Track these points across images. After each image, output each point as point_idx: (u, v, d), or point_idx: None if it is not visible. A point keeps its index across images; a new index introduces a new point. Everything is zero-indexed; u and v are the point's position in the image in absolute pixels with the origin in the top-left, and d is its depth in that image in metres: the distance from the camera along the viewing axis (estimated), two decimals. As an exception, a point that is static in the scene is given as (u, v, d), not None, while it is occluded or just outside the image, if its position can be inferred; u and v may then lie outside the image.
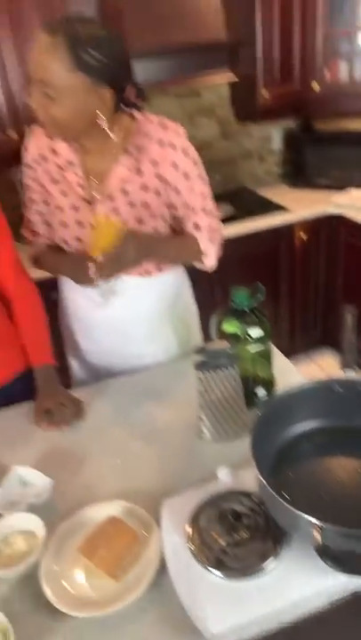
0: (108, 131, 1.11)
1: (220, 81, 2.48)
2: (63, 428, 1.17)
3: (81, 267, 1.13)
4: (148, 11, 2.03)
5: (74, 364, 1.50)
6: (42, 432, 1.18)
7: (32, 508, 0.93)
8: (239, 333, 1.09)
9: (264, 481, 0.74)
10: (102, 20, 2.19)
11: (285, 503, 0.70)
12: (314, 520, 0.67)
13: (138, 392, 1.27)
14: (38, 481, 1.00)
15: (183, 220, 1.27)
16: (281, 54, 2.40)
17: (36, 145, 1.22)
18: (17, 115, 2.17)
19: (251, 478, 0.85)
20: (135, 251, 1.09)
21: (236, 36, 2.24)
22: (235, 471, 0.91)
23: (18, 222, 1.35)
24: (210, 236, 1.27)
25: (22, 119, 2.17)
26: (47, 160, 1.21)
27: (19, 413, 1.24)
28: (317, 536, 0.67)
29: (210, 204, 1.27)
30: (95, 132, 1.11)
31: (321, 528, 0.67)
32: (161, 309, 1.36)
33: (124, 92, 1.10)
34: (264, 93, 2.45)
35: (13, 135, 2.18)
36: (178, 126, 1.19)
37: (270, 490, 0.73)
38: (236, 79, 2.46)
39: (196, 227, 1.26)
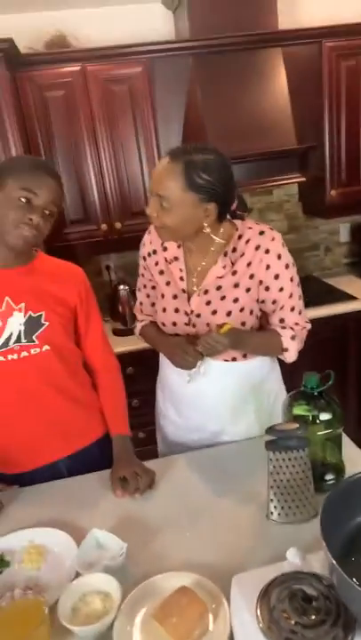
0: (212, 236, 1.29)
1: (291, 182, 2.70)
2: (136, 497, 1.25)
3: (177, 351, 1.30)
4: (227, 125, 2.32)
5: (159, 436, 1.62)
6: (117, 499, 1.25)
7: (107, 570, 0.99)
8: (309, 416, 1.15)
9: (335, 563, 0.77)
10: (185, 132, 2.53)
11: (358, 587, 0.73)
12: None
13: (212, 468, 1.34)
14: (114, 544, 1.07)
15: (270, 315, 1.40)
16: (347, 157, 2.61)
17: (150, 241, 1.44)
18: (109, 211, 2.48)
19: (319, 561, 0.88)
20: (228, 341, 1.23)
21: (305, 142, 2.48)
22: (303, 554, 0.93)
23: (103, 301, 1.56)
24: (294, 333, 1.39)
25: (113, 215, 2.48)
26: (157, 254, 1.42)
27: (98, 478, 1.33)
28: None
29: (298, 303, 1.40)
30: (200, 237, 1.30)
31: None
32: (244, 393, 1.44)
33: (228, 207, 1.30)
34: (332, 193, 2.64)
35: (104, 228, 2.47)
36: (274, 233, 1.35)
37: (342, 572, 0.75)
38: (306, 180, 2.67)
39: (282, 322, 1.39)
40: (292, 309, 1.39)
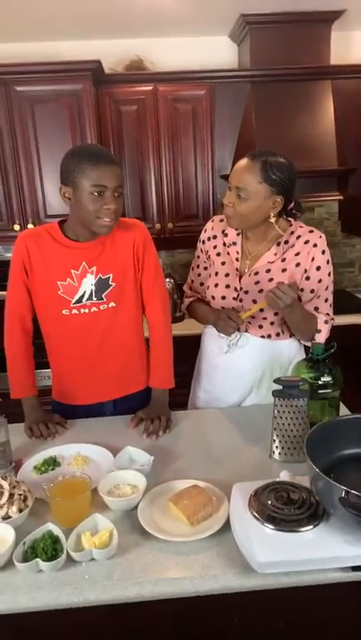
0: (275, 226, 1.55)
1: (330, 199, 2.95)
2: (153, 438, 1.51)
3: (222, 316, 1.55)
4: (275, 145, 2.57)
5: (192, 396, 1.88)
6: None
7: (137, 473, 1.27)
8: (310, 377, 1.39)
9: (311, 462, 1.01)
10: (238, 149, 2.84)
11: (322, 474, 0.97)
12: (343, 487, 0.93)
13: (232, 420, 1.61)
14: (143, 457, 1.34)
15: (306, 304, 1.63)
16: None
17: (212, 227, 1.72)
18: (163, 212, 2.81)
19: (306, 483, 1.10)
20: (292, 299, 1.44)
21: (346, 164, 2.73)
22: (294, 475, 1.17)
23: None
24: (326, 319, 1.63)
25: (166, 216, 2.81)
26: (217, 238, 1.70)
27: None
28: (344, 496, 0.93)
29: (330, 296, 1.65)
30: (262, 226, 1.58)
31: (347, 492, 0.93)
32: (272, 369, 1.68)
33: (290, 204, 1.57)
34: (369, 213, 2.87)
35: (158, 227, 2.80)
36: (321, 233, 1.62)
37: (314, 467, 1.00)
38: (344, 199, 2.91)
39: (316, 309, 1.64)
40: (326, 300, 1.64)
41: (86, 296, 1.52)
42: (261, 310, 1.59)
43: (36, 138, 2.51)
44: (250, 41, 2.70)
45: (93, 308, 1.54)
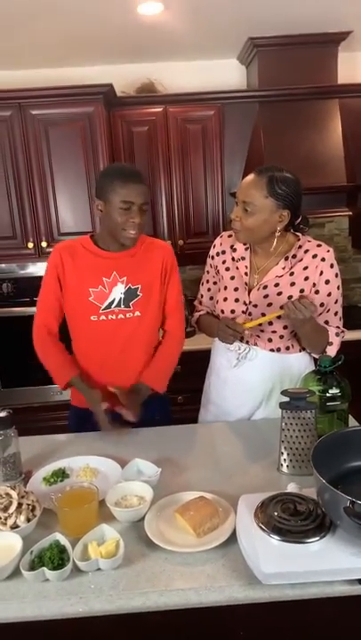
0: (278, 239, 1.57)
1: (339, 215, 2.96)
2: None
3: (222, 328, 1.56)
4: (284, 162, 2.62)
5: (202, 411, 1.88)
6: (159, 444, 1.54)
7: (144, 485, 1.27)
8: (318, 390, 1.39)
9: (317, 473, 1.01)
10: (247, 167, 2.88)
11: (328, 484, 0.97)
12: (348, 497, 0.93)
13: (240, 434, 1.61)
14: (150, 469, 1.35)
15: (316, 317, 1.62)
16: None
17: (220, 243, 1.76)
18: (174, 230, 2.86)
19: (314, 494, 1.10)
20: (310, 313, 1.46)
21: (355, 180, 2.75)
22: (301, 488, 1.17)
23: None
24: (337, 331, 1.64)
25: (177, 233, 2.86)
26: (226, 253, 1.73)
27: (149, 431, 1.63)
28: (350, 506, 0.92)
29: (340, 310, 1.67)
30: (268, 241, 1.60)
31: (353, 502, 0.92)
32: (281, 383, 1.67)
33: (296, 218, 1.60)
34: (379, 228, 2.88)
35: (169, 243, 2.84)
36: (329, 247, 1.64)
37: (320, 477, 1.00)
38: (353, 215, 2.93)
39: (326, 323, 1.65)
40: (336, 314, 1.65)
41: (115, 303, 1.63)
42: (270, 324, 1.60)
43: (50, 159, 2.59)
44: (258, 63, 2.77)
45: (120, 315, 1.63)
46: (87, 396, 1.63)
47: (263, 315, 1.61)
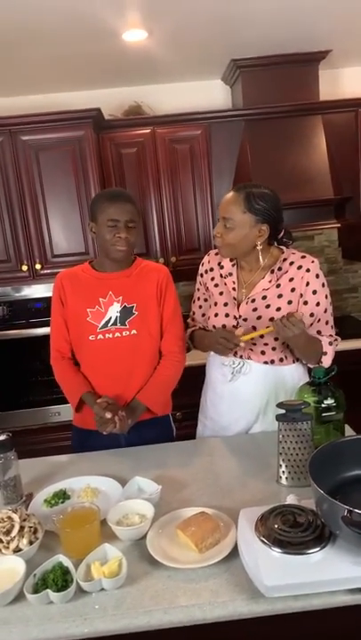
0: (261, 253, 1.62)
1: (327, 227, 3.02)
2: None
3: (219, 341, 1.56)
4: (271, 178, 2.69)
5: (200, 426, 1.89)
6: (159, 461, 1.55)
7: (145, 502, 1.28)
8: (313, 401, 1.41)
9: (315, 484, 1.03)
10: (235, 184, 2.94)
11: (325, 494, 0.98)
12: (346, 506, 0.94)
13: (239, 448, 1.62)
14: (151, 487, 1.35)
15: (308, 329, 1.65)
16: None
17: (208, 261, 1.81)
18: (166, 247, 2.90)
19: (312, 505, 1.11)
20: (300, 330, 1.47)
21: (341, 193, 2.81)
22: (301, 499, 1.18)
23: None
24: (331, 340, 1.66)
25: (169, 251, 2.90)
26: (214, 270, 1.78)
27: (148, 450, 1.65)
28: (347, 515, 0.94)
29: (331, 318, 1.69)
30: (253, 255, 1.65)
31: (350, 511, 0.94)
32: (277, 395, 1.68)
33: (278, 232, 1.64)
34: (367, 239, 2.93)
35: (162, 261, 2.88)
36: (313, 258, 1.68)
37: (318, 488, 1.01)
38: (342, 227, 2.98)
39: (319, 333, 1.67)
40: (327, 323, 1.68)
41: (111, 321, 1.67)
42: (261, 336, 1.63)
43: (42, 183, 2.63)
44: (241, 83, 2.84)
45: (117, 334, 1.66)
46: (94, 409, 1.62)
47: (254, 328, 1.64)
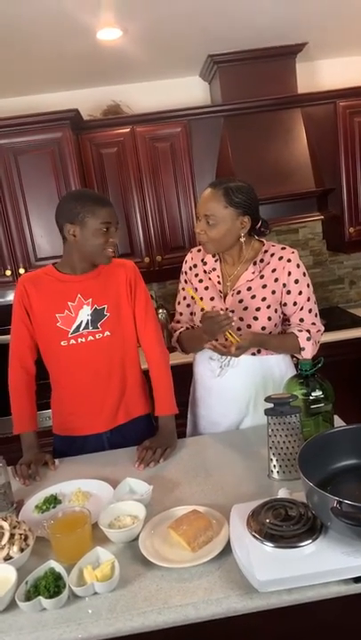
0: (244, 244, 1.65)
1: (311, 220, 3.02)
2: (150, 465, 1.52)
3: (206, 320, 1.55)
4: (253, 173, 2.69)
5: (189, 424, 1.89)
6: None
7: (137, 503, 1.27)
8: (302, 393, 1.41)
9: (304, 477, 1.02)
10: (217, 177, 2.94)
11: (314, 486, 0.98)
12: (335, 497, 0.94)
13: (230, 444, 1.61)
14: (142, 488, 1.35)
15: (291, 316, 1.69)
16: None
17: (191, 258, 1.81)
18: (151, 246, 2.88)
19: (303, 499, 1.11)
20: (249, 343, 1.55)
21: (323, 185, 2.82)
22: (292, 492, 1.18)
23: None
24: (309, 335, 1.67)
25: (154, 250, 2.88)
26: (198, 267, 1.78)
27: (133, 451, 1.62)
28: (337, 506, 0.94)
29: (314, 306, 1.71)
30: (236, 247, 1.66)
31: (340, 502, 0.94)
32: (265, 386, 1.70)
33: (256, 222, 1.66)
34: (350, 230, 2.94)
35: (147, 260, 2.87)
36: (293, 249, 1.69)
37: (307, 480, 1.01)
38: (325, 219, 2.99)
39: (301, 321, 1.69)
40: (310, 311, 1.70)
41: (83, 325, 1.62)
42: (249, 326, 1.65)
43: (22, 186, 2.61)
44: (219, 78, 2.83)
45: (90, 337, 1.62)
46: (26, 454, 1.62)
47: (241, 319, 1.66)
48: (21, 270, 2.66)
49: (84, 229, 1.55)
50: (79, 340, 1.62)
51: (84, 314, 1.62)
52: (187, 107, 2.83)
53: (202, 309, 1.62)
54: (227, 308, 1.68)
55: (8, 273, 2.67)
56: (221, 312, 1.55)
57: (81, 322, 1.61)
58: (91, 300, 1.62)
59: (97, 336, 1.63)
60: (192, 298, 1.73)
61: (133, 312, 1.69)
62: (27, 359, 1.68)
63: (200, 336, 1.65)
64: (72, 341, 1.62)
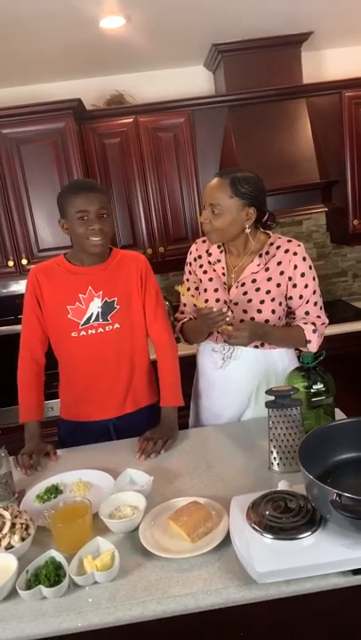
0: (249, 236, 1.64)
1: (315, 212, 3.00)
2: (151, 456, 1.53)
3: (210, 317, 1.54)
4: (257, 164, 2.67)
5: (192, 415, 1.90)
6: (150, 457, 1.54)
7: (137, 494, 1.27)
8: (303, 386, 1.41)
9: (304, 469, 1.02)
10: (220, 168, 2.92)
11: (314, 479, 0.98)
12: (335, 490, 0.94)
13: (231, 436, 1.62)
14: (143, 479, 1.35)
15: (296, 309, 1.68)
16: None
17: (196, 249, 1.80)
18: (154, 237, 2.87)
19: (302, 491, 1.11)
20: (250, 336, 1.52)
21: (327, 177, 2.79)
22: (292, 485, 1.18)
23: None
24: (315, 327, 1.66)
25: (157, 241, 2.87)
26: (202, 258, 1.77)
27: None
28: (336, 499, 0.94)
29: (319, 300, 1.70)
30: (241, 239, 1.66)
31: (339, 495, 0.94)
32: (268, 377, 1.70)
33: (263, 216, 1.65)
34: (354, 222, 2.92)
35: (150, 252, 2.86)
36: (299, 242, 1.68)
37: (307, 473, 1.01)
38: (329, 211, 2.97)
39: (307, 314, 1.68)
40: (315, 304, 1.69)
41: (93, 317, 1.64)
42: (252, 319, 1.64)
43: (25, 176, 2.60)
44: (224, 68, 2.80)
45: (100, 329, 1.64)
46: (28, 444, 1.64)
47: (245, 311, 1.65)
48: (24, 261, 2.66)
49: (68, 221, 1.56)
50: (89, 331, 1.63)
51: (95, 306, 1.63)
52: (191, 97, 2.81)
53: (194, 305, 1.61)
54: (225, 301, 1.68)
55: (11, 264, 2.67)
56: (215, 309, 1.54)
57: (92, 314, 1.63)
58: (101, 292, 1.63)
59: (107, 328, 1.64)
60: (191, 296, 1.71)
61: (143, 305, 1.69)
62: (37, 351, 1.70)
63: (201, 328, 1.65)
64: (82, 333, 1.63)
